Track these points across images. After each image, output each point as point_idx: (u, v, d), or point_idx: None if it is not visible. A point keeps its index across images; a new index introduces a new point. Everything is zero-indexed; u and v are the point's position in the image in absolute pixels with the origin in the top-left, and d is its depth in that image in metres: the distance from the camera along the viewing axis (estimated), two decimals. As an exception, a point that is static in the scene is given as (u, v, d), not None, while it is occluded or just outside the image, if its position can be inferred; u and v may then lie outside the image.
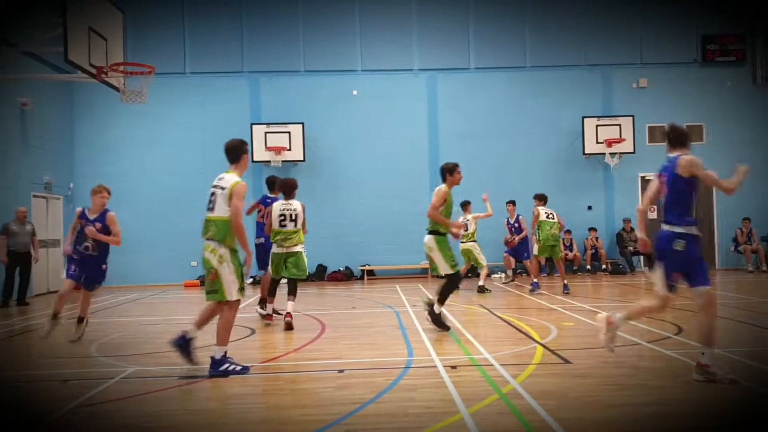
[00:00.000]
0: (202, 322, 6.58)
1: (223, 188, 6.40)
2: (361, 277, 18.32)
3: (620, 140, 18.27)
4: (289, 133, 18.15)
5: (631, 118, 18.47)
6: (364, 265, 18.33)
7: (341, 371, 6.36)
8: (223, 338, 6.37)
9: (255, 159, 18.10)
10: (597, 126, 18.42)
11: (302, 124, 18.23)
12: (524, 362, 6.50)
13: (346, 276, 18.25)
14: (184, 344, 6.46)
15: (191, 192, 17.15)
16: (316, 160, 18.39)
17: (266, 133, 18.10)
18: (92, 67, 12.38)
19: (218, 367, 6.25)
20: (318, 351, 7.08)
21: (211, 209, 6.42)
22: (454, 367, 6.32)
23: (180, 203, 17.66)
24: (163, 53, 18.14)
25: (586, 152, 18.55)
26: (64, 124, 18.06)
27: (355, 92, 18.98)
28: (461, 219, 13.99)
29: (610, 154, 18.42)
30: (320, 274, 18.40)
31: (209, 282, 6.34)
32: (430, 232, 8.81)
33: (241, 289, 6.41)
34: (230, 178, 6.47)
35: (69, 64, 11.99)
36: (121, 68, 13.22)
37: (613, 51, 19.13)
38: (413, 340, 7.98)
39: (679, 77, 19.11)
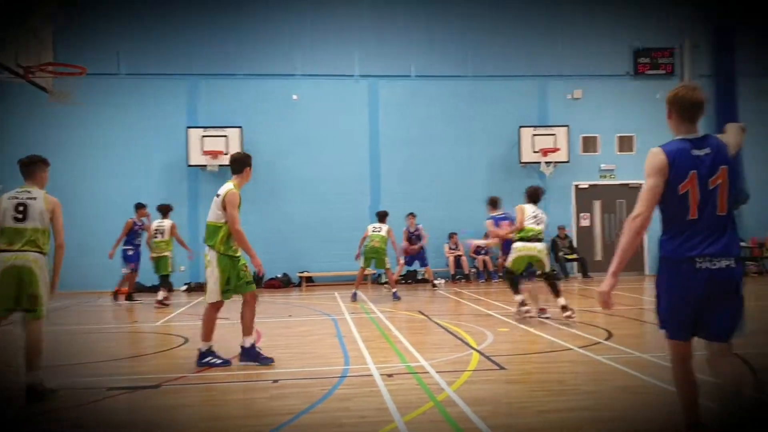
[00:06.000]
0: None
1: (218, 195, 6.88)
2: (300, 284, 18.16)
3: (555, 150, 18.64)
4: (226, 137, 17.86)
5: (565, 128, 18.87)
6: (303, 272, 18.18)
7: (276, 381, 6.28)
8: (203, 334, 6.97)
9: (191, 163, 17.78)
10: (533, 135, 18.75)
11: (240, 128, 17.99)
12: (460, 369, 6.54)
13: (283, 283, 18.05)
14: (211, 356, 6.93)
15: (126, 195, 16.70)
16: (254, 164, 18.05)
17: (203, 136, 17.77)
18: (19, 67, 11.93)
19: (202, 359, 6.86)
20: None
21: (209, 215, 6.90)
22: (390, 376, 6.32)
23: (114, 206, 17.12)
24: (96, 53, 17.62)
25: (523, 161, 18.86)
26: (-5, 126, 17.37)
27: (295, 97, 18.83)
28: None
29: (546, 163, 18.78)
30: (257, 281, 18.09)
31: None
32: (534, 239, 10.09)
33: (225, 292, 6.82)
34: (227, 186, 6.94)
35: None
36: (50, 68, 12.78)
37: (549, 63, 19.53)
38: (350, 349, 7.94)
39: (612, 89, 19.64)
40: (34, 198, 5.93)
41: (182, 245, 13.92)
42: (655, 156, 3.85)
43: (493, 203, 12.51)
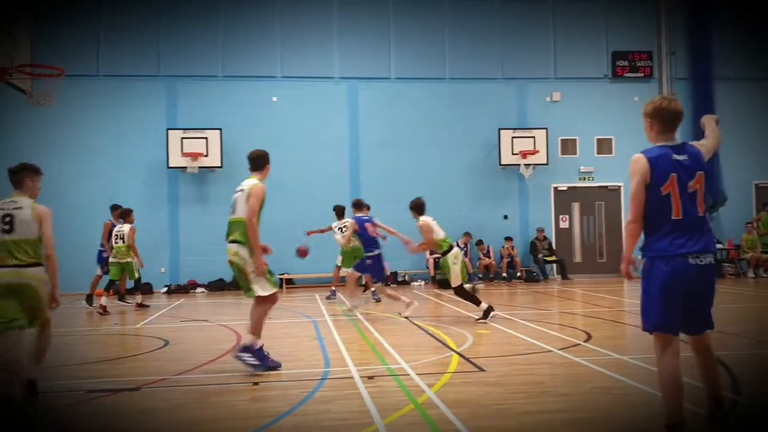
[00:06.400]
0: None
1: (241, 190, 6.79)
2: (280, 286, 18.09)
3: (534, 152, 18.78)
4: (206, 138, 17.80)
5: (544, 130, 19.01)
6: (283, 274, 18.13)
7: (256, 384, 6.27)
8: (254, 329, 6.71)
9: (171, 165, 17.68)
10: (513, 138, 18.88)
11: (220, 129, 17.93)
12: (440, 371, 6.57)
13: (264, 284, 17.98)
14: (261, 355, 6.71)
15: (104, 197, 16.57)
16: (234, 166, 18.09)
17: (182, 138, 17.69)
18: (-4, 68, 11.83)
19: (243, 352, 6.61)
20: (233, 363, 6.95)
21: (233, 212, 6.78)
22: (371, 378, 6.33)
23: (93, 208, 16.97)
24: (74, 54, 17.47)
25: (503, 163, 18.98)
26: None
27: (274, 99, 18.81)
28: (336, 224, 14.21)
29: (525, 165, 18.90)
30: (238, 284, 18.05)
31: (243, 282, 6.76)
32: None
33: (273, 283, 6.77)
34: (250, 181, 6.86)
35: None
36: (29, 70, 12.67)
37: (528, 65, 19.67)
38: (330, 351, 7.95)
39: (591, 92, 19.82)
40: (20, 208, 5.78)
41: (134, 254, 13.24)
42: (638, 161, 4.15)
43: (358, 205, 12.45)
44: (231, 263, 6.75)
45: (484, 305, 10.31)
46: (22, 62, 12.55)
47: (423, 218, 10.62)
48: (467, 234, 18.54)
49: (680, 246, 4.06)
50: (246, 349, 6.63)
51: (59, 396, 5.93)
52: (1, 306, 5.58)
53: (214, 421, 5.07)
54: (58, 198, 17.21)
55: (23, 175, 6.01)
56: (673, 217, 4.07)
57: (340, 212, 14.47)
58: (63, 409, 5.51)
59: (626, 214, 19.80)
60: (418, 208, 10.75)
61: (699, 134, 4.85)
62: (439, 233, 10.48)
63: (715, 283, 4.24)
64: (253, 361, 6.61)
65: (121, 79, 18.23)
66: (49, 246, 5.80)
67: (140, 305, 13.40)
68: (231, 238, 6.72)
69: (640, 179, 4.11)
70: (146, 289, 17.12)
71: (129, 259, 13.22)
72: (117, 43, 18.24)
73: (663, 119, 4.22)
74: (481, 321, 10.06)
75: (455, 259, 10.38)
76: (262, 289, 6.67)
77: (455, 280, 10.33)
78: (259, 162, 7.06)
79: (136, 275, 13.52)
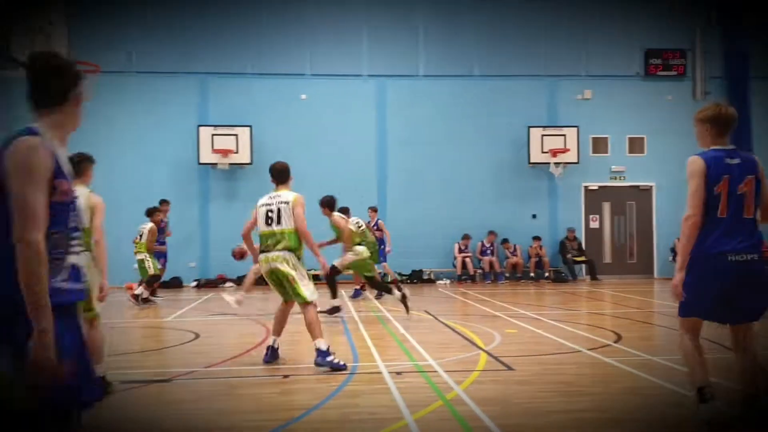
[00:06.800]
0: (279, 328, 7.13)
1: (286, 202, 6.96)
2: (307, 282, 18.21)
3: (565, 150, 18.61)
4: (236, 135, 17.94)
5: (575, 128, 18.83)
6: (310, 270, 18.13)
7: (286, 376, 6.32)
8: (318, 332, 6.70)
9: (201, 161, 17.86)
10: (542, 136, 18.73)
11: (250, 126, 18.05)
12: (468, 369, 6.56)
13: (291, 280, 18.09)
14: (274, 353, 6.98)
15: (135, 192, 16.80)
16: (263, 163, 18.16)
17: (213, 135, 17.85)
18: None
19: (325, 357, 6.54)
20: (262, 356, 7.01)
21: (276, 223, 6.94)
22: (398, 374, 6.34)
23: (121, 204, 17.18)
24: (108, 51, 17.71)
25: (532, 161, 18.84)
26: (2, 121, 17.46)
27: (303, 96, 18.88)
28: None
29: (555, 163, 18.74)
30: (268, 284, 18.14)
31: (291, 288, 6.86)
32: None
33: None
34: (289, 193, 7.07)
35: (10, 61, 11.64)
36: (64, 65, 12.86)
37: (558, 62, 19.49)
38: (358, 346, 7.98)
39: (622, 90, 19.56)
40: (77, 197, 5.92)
41: (150, 251, 13.24)
42: (695, 161, 4.41)
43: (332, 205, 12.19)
44: (275, 270, 6.86)
45: (336, 301, 10.72)
46: (59, 58, 12.74)
47: (335, 215, 11.08)
48: (492, 233, 18.47)
49: (723, 244, 4.26)
50: (324, 353, 6.56)
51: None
52: None
53: (244, 413, 5.12)
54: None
55: (86, 164, 6.16)
56: (718, 216, 4.29)
57: (345, 212, 14.38)
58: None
59: (658, 215, 19.58)
60: (329, 204, 11.04)
61: (737, 135, 4.94)
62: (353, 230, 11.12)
63: (763, 278, 4.34)
64: (337, 360, 6.57)
65: (153, 76, 18.44)
66: (99, 233, 5.94)
67: (144, 299, 13.13)
68: (280, 246, 6.87)
69: (701, 179, 4.32)
70: (176, 283, 17.34)
71: (142, 256, 13.23)
72: (150, 40, 18.45)
73: (719, 125, 4.45)
74: (323, 313, 9.73)
75: (356, 254, 10.84)
76: (310, 294, 6.85)
77: (340, 263, 10.81)
78: (284, 175, 7.26)
79: (150, 271, 13.23)
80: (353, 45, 19.11)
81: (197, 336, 8.98)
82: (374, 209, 16.23)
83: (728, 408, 4.54)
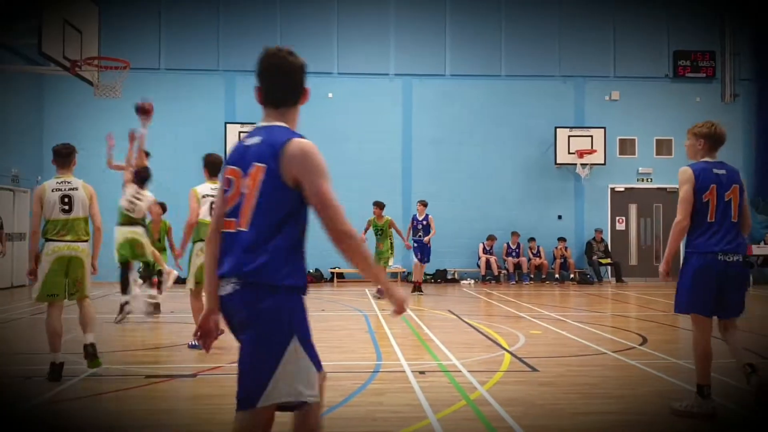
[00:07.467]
0: None
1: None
2: (331, 280, 18.29)
3: (592, 151, 18.48)
4: (263, 133, 18.05)
5: (602, 129, 18.69)
6: (334, 268, 18.30)
7: (310, 374, 6.35)
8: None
9: (228, 158, 18.00)
10: (569, 136, 18.62)
11: (276, 124, 18.15)
12: (492, 369, 6.56)
13: (315, 278, 18.20)
14: None
15: (162, 189, 16.94)
16: (289, 161, 18.29)
17: (240, 132, 17.96)
18: (66, 60, 12.22)
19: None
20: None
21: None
22: (422, 373, 6.36)
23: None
24: (137, 48, 17.90)
25: (558, 162, 18.73)
26: (33, 116, 17.77)
27: (330, 95, 18.94)
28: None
29: (581, 164, 18.62)
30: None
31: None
32: None
33: None
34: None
35: (42, 57, 11.82)
36: (96, 62, 13.04)
37: (586, 63, 19.36)
38: (382, 345, 8.00)
39: (651, 91, 19.39)
40: (76, 188, 6.33)
41: (171, 248, 12.86)
42: (685, 171, 5.02)
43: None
44: None
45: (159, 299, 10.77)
46: (90, 55, 12.93)
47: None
48: (515, 233, 18.39)
49: (713, 244, 4.89)
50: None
51: (122, 379, 6.12)
52: (54, 281, 6.10)
53: (269, 409, 5.16)
54: (117, 188, 17.72)
55: (74, 156, 6.57)
56: (708, 220, 4.92)
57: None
58: (123, 392, 5.68)
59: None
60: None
61: (762, 141, 5.38)
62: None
63: (743, 278, 5.09)
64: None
65: (181, 73, 18.63)
66: (98, 221, 6.49)
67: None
68: None
69: (690, 186, 4.93)
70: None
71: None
72: (178, 37, 18.65)
73: (713, 141, 5.07)
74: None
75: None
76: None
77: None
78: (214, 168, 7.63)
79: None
80: (380, 44, 19.14)
81: (222, 332, 9.03)
82: (424, 203, 15.10)
83: (723, 402, 5.01)
